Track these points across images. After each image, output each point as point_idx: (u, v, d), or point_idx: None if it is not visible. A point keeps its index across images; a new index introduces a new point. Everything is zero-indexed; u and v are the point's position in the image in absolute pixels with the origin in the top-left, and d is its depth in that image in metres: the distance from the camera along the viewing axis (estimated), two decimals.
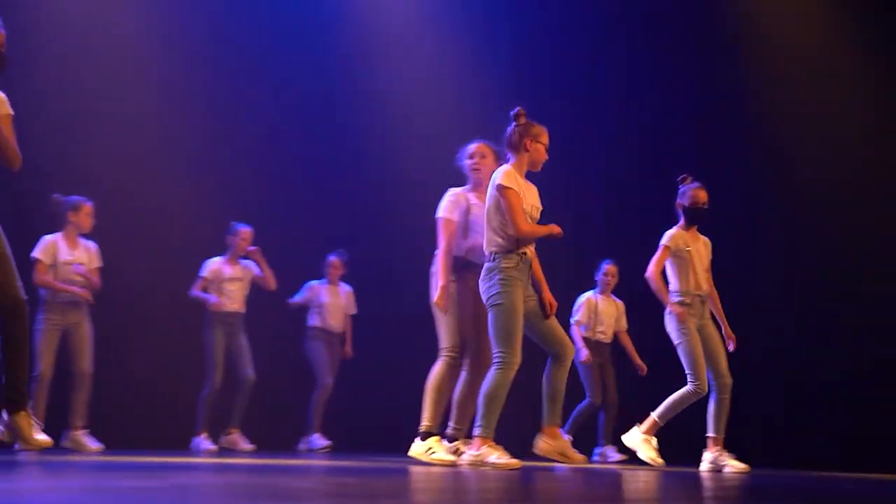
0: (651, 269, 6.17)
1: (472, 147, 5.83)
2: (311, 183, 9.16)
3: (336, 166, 9.19)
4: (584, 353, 7.57)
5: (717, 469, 6.05)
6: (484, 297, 5.22)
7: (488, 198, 5.27)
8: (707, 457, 6.12)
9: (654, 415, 6.17)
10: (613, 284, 7.79)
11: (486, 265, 5.23)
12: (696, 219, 6.25)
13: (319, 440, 8.21)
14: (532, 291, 5.31)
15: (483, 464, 5.08)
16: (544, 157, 5.34)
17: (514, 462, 5.09)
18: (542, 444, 5.36)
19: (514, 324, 5.12)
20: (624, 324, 7.87)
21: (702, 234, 6.35)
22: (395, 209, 8.96)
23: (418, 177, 8.39)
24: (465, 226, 5.68)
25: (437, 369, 5.62)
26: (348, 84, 9.17)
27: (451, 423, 5.67)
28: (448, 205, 5.72)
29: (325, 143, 9.24)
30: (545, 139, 5.34)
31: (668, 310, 6.16)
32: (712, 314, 6.27)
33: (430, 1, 9.41)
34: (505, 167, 5.28)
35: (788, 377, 8.16)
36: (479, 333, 5.53)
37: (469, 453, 5.20)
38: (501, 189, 5.17)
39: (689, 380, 6.08)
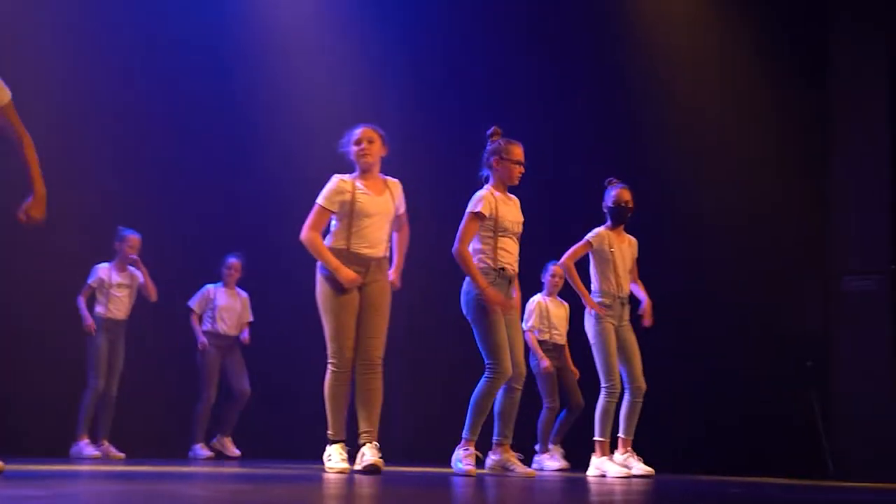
0: (564, 258, 6.29)
1: (358, 132, 5.49)
2: (209, 184, 8.84)
3: (234, 167, 8.92)
4: (545, 363, 7.32)
5: (626, 466, 6.07)
6: (464, 310, 5.51)
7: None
8: (617, 458, 6.15)
9: (595, 438, 6.15)
10: (560, 285, 7.59)
11: (466, 279, 5.50)
12: (620, 218, 6.34)
13: (202, 451, 7.95)
14: (511, 305, 5.56)
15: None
16: (514, 171, 5.59)
17: (473, 469, 5.38)
18: (490, 459, 5.66)
19: (499, 336, 5.40)
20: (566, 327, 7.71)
21: (628, 233, 6.42)
22: (294, 207, 8.71)
23: (315, 176, 8.17)
24: (349, 215, 5.37)
25: (326, 378, 5.39)
26: (247, 83, 8.93)
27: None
28: (329, 193, 5.41)
29: (223, 143, 8.95)
30: (514, 155, 5.60)
31: (587, 309, 6.23)
32: (636, 307, 6.32)
33: (328, 1, 9.27)
34: (480, 191, 5.56)
35: (691, 382, 8.20)
36: (364, 332, 5.33)
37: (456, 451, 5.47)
38: (467, 214, 5.49)
39: (601, 382, 6.13)
